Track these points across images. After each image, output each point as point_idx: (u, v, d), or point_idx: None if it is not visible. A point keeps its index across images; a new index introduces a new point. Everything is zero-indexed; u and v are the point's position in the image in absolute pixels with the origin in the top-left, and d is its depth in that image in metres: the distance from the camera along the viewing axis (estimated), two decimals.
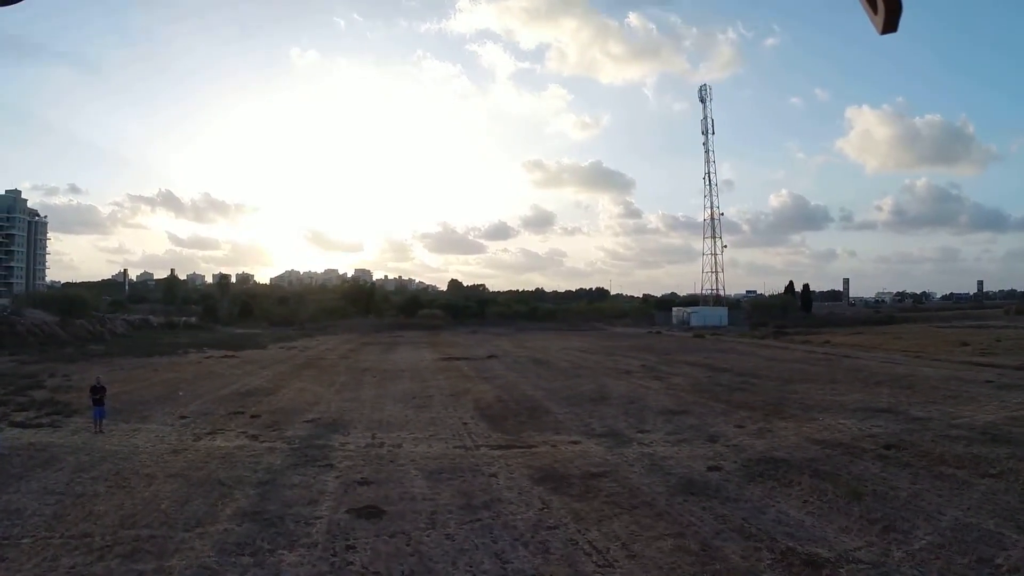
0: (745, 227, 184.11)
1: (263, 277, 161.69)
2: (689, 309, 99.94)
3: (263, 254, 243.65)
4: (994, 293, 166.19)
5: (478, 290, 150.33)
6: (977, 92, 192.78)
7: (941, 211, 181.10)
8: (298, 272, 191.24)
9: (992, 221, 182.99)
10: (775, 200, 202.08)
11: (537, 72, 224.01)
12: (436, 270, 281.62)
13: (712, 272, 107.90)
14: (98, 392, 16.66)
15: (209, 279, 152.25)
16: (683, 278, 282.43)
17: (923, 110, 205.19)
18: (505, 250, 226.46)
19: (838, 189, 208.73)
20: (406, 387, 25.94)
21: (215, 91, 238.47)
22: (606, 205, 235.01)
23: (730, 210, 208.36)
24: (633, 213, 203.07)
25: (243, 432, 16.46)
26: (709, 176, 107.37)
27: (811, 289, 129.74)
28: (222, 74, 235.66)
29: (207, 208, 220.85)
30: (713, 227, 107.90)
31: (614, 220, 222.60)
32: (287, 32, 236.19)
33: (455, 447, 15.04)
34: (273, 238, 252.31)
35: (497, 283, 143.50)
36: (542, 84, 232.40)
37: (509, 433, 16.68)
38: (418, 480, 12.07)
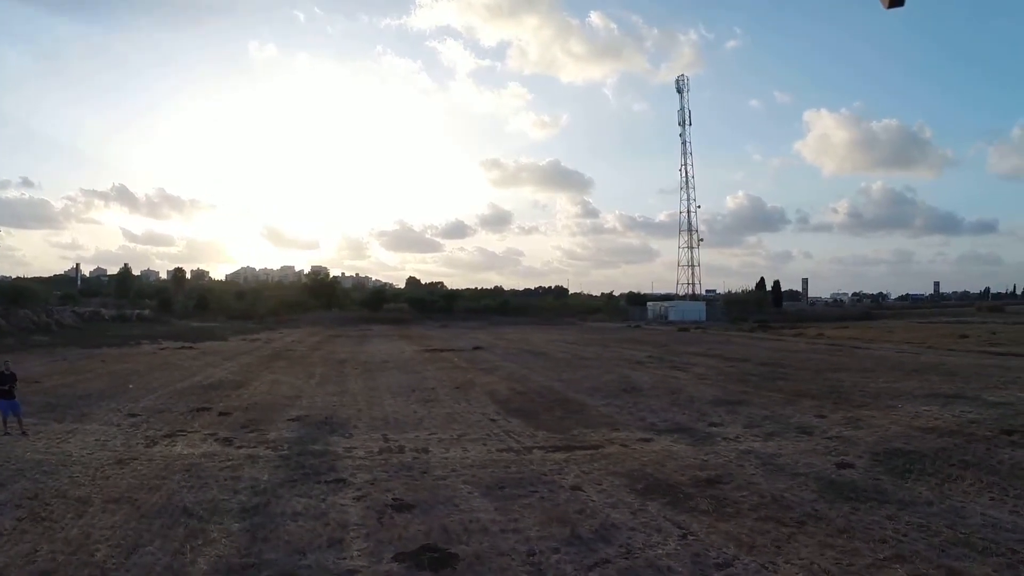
0: (702, 227, 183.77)
1: (218, 274, 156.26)
2: (667, 303, 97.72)
3: (218, 251, 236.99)
4: (948, 294, 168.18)
5: (438, 287, 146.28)
6: (934, 97, 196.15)
7: (896, 214, 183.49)
8: (254, 269, 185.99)
9: (946, 224, 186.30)
10: (732, 201, 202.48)
11: (497, 70, 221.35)
12: (393, 268, 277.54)
13: (688, 266, 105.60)
14: (4, 381, 12.55)
15: (164, 276, 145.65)
16: (640, 278, 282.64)
17: (881, 114, 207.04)
18: (462, 249, 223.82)
19: (795, 191, 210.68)
20: (399, 379, 22.17)
21: (172, 85, 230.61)
22: (564, 205, 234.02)
23: (680, 214, 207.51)
24: (591, 213, 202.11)
25: (211, 434, 12.57)
26: (685, 168, 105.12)
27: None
28: (180, 67, 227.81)
29: (162, 204, 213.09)
30: (689, 220, 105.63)
31: (571, 220, 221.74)
32: (246, 25, 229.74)
33: (499, 450, 11.43)
34: (228, 235, 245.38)
35: (454, 282, 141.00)
36: (502, 82, 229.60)
37: (554, 431, 13.20)
38: (476, 499, 8.40)
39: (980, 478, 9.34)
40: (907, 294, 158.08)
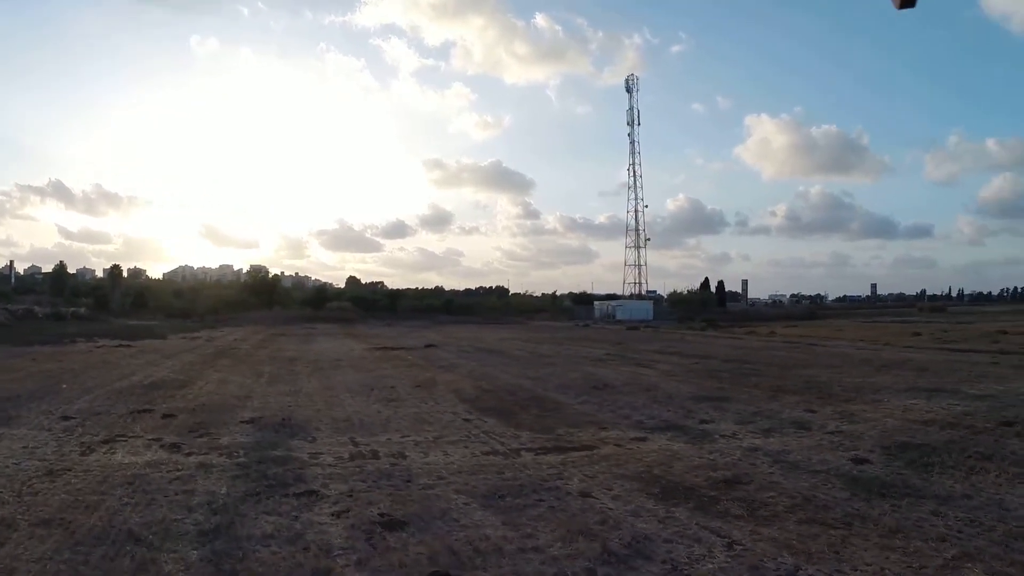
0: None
1: (156, 273, 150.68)
2: (614, 303, 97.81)
3: (156, 249, 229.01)
4: (885, 296, 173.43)
5: (379, 287, 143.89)
6: (873, 105, 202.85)
7: (834, 218, 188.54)
8: (192, 268, 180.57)
9: (882, 229, 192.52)
10: (673, 204, 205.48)
11: (441, 70, 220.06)
12: (332, 268, 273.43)
13: (635, 266, 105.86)
14: None
15: (100, 274, 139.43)
16: (580, 279, 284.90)
17: (820, 121, 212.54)
18: (402, 249, 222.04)
19: (735, 194, 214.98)
20: (354, 378, 20.78)
21: (111, 78, 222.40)
22: (505, 205, 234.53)
23: (627, 213, 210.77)
24: (532, 214, 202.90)
25: (156, 440, 11.08)
26: (633, 168, 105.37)
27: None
28: (119, 61, 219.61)
29: (99, 200, 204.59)
30: (637, 220, 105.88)
31: (512, 221, 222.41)
32: (188, 19, 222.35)
33: (484, 453, 10.29)
34: (167, 233, 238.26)
35: (394, 282, 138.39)
36: (446, 82, 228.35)
37: (537, 431, 12.08)
38: (477, 512, 7.24)
39: (1004, 469, 8.96)
40: (844, 295, 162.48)
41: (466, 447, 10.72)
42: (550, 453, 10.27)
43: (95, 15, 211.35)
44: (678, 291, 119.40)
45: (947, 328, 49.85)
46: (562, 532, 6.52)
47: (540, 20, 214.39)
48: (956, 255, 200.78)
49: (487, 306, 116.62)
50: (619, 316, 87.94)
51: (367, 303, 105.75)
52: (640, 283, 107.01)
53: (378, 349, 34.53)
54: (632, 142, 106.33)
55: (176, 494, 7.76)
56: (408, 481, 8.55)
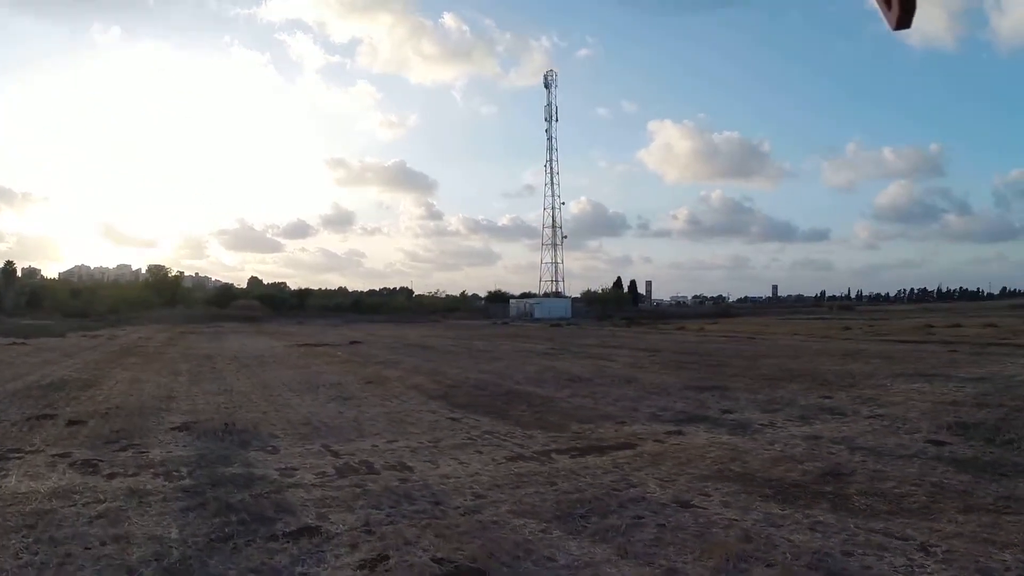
0: (547, 230, 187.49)
1: (51, 272, 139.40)
2: (531, 300, 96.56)
3: (51, 248, 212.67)
4: (784, 297, 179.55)
5: (282, 287, 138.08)
6: (775, 112, 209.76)
7: (734, 222, 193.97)
8: (88, 268, 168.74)
9: (781, 232, 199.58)
10: (576, 206, 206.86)
11: (347, 67, 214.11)
12: (233, 269, 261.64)
13: (552, 264, 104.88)
14: None
15: None
16: (483, 280, 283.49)
17: (722, 127, 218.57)
18: (304, 249, 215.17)
19: (637, 198, 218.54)
20: (289, 375, 18.11)
21: (5, 64, 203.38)
22: (408, 206, 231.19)
23: (530, 215, 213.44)
24: (435, 215, 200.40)
25: (62, 455, 8.32)
26: (550, 164, 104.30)
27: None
28: (15, 46, 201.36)
29: None
30: (554, 217, 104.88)
31: (415, 222, 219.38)
32: (90, 5, 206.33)
33: (508, 459, 8.11)
34: (62, 231, 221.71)
35: (296, 283, 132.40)
36: (351, 80, 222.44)
37: (547, 429, 10.09)
38: (570, 543, 5.10)
39: None
40: (746, 296, 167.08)
41: (480, 452, 8.47)
42: (588, 454, 8.27)
43: None
44: (592, 290, 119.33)
45: (872, 323, 50.50)
46: (712, 560, 4.57)
47: (448, 20, 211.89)
48: (852, 258, 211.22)
49: (397, 305, 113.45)
50: (537, 314, 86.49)
51: (275, 302, 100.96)
52: (557, 280, 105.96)
53: (300, 346, 31.54)
54: (550, 138, 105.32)
55: (103, 543, 5.17)
56: (438, 504, 6.25)
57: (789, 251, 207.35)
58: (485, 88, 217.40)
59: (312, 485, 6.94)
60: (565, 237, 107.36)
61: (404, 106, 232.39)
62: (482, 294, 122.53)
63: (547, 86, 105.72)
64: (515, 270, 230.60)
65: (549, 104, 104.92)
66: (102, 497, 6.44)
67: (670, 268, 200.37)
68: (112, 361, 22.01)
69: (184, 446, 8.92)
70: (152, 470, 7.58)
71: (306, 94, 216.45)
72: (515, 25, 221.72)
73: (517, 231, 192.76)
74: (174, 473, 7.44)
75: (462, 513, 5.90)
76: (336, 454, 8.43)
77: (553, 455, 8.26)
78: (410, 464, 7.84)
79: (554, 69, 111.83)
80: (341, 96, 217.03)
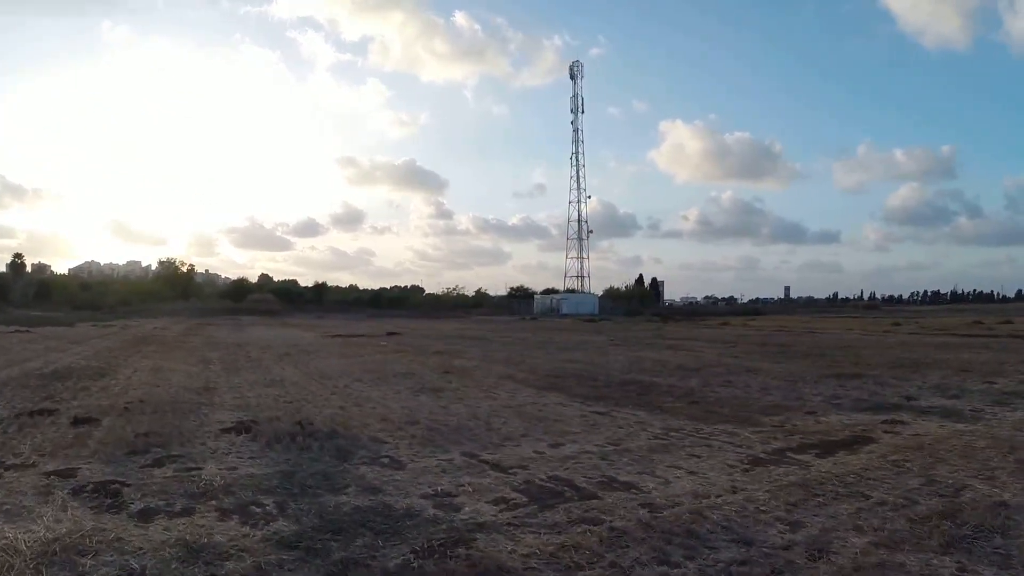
0: (555, 232, 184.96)
1: (61, 268, 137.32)
2: (558, 296, 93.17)
3: (62, 245, 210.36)
4: (795, 299, 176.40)
5: (294, 283, 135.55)
6: (786, 113, 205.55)
7: (745, 223, 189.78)
8: (99, 264, 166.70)
9: (792, 234, 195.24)
10: (575, 209, 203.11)
11: (358, 65, 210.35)
12: (243, 266, 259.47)
13: (577, 258, 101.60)
14: None
15: (3, 269, 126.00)
16: (493, 280, 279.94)
17: (734, 127, 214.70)
18: (313, 248, 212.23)
19: (647, 198, 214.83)
20: (345, 364, 15.05)
21: (17, 62, 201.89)
22: (418, 205, 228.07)
23: (540, 215, 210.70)
24: (445, 214, 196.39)
25: (64, 473, 5.22)
26: (577, 157, 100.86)
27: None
28: (24, 44, 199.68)
29: (2, 192, 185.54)
30: (580, 210, 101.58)
31: (424, 220, 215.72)
32: (99, 3, 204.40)
33: (742, 463, 5.79)
34: (73, 228, 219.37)
35: (305, 281, 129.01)
36: (362, 78, 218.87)
37: (730, 422, 7.84)
38: None
39: None
40: (757, 298, 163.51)
41: (696, 456, 6.06)
42: (833, 452, 6.20)
43: None
44: (615, 287, 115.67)
45: (916, 321, 47.19)
46: None
47: (460, 18, 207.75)
48: (862, 260, 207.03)
49: (416, 301, 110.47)
50: (564, 310, 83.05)
51: (291, 296, 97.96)
52: (583, 277, 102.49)
53: (333, 336, 28.37)
54: (576, 130, 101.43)
55: None
56: (749, 544, 3.30)
57: (799, 253, 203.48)
58: (496, 87, 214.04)
59: (508, 526, 3.92)
60: (591, 232, 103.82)
61: (415, 105, 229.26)
62: (492, 293, 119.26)
63: (573, 77, 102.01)
64: (524, 270, 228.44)
65: (575, 95, 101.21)
66: (136, 567, 3.25)
67: (680, 269, 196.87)
68: (127, 348, 18.97)
69: (252, 457, 5.78)
70: (214, 502, 4.44)
71: (317, 92, 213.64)
72: (527, 24, 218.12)
73: (527, 231, 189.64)
74: (254, 509, 4.31)
75: (810, 558, 2.85)
76: (496, 466, 5.42)
77: (788, 454, 6.12)
78: (624, 478, 5.07)
79: (579, 60, 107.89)
80: (352, 94, 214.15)
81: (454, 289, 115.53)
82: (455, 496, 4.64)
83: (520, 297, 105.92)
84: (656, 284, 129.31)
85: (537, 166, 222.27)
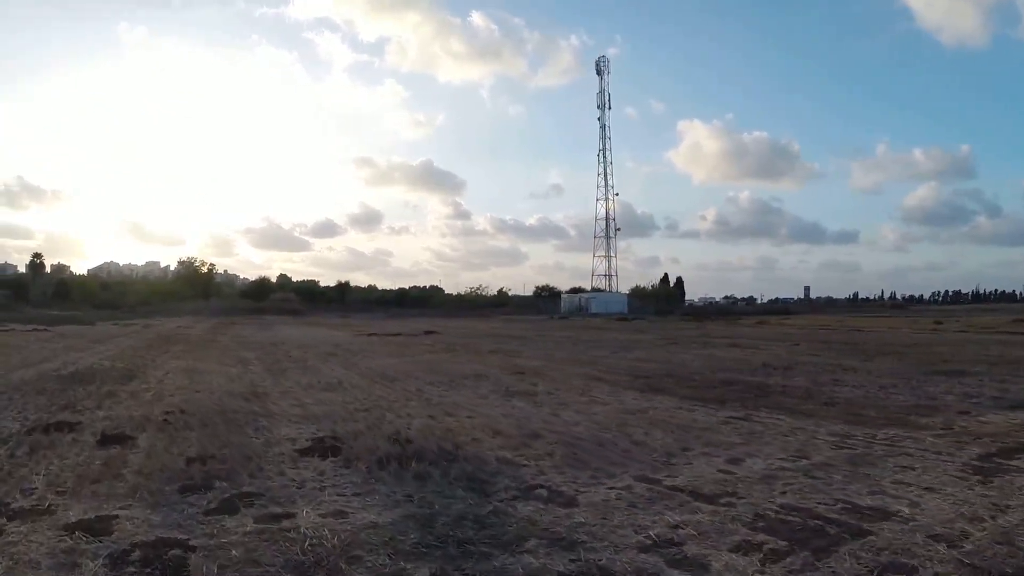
0: (572, 232, 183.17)
1: (80, 269, 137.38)
2: (587, 295, 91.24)
3: (80, 245, 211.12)
4: (815, 299, 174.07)
5: (315, 283, 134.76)
6: (804, 113, 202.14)
7: (762, 223, 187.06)
8: (117, 264, 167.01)
9: (810, 234, 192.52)
10: (602, 207, 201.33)
11: (375, 66, 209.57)
12: (260, 266, 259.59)
13: (605, 257, 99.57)
14: None
15: (22, 270, 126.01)
16: (510, 280, 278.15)
17: (751, 127, 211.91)
18: (331, 248, 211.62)
19: (665, 198, 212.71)
20: (400, 365, 13.43)
21: (35, 64, 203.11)
22: (435, 206, 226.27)
23: (557, 215, 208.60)
24: (462, 215, 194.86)
25: (94, 528, 3.48)
26: (604, 153, 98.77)
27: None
28: (42, 46, 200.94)
29: (21, 193, 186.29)
30: (607, 207, 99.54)
31: (442, 221, 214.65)
32: (117, 5, 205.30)
33: (973, 474, 4.43)
34: (91, 228, 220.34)
35: (323, 281, 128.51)
36: (379, 79, 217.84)
37: (895, 424, 6.73)
38: None
39: None
40: (776, 298, 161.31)
41: (909, 469, 4.93)
42: None
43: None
44: (640, 286, 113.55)
45: (957, 320, 45.08)
46: None
47: (476, 18, 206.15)
48: (879, 260, 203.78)
49: (441, 300, 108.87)
50: (594, 309, 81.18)
51: (313, 295, 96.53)
52: (610, 275, 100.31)
53: (370, 335, 26.69)
54: (603, 126, 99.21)
55: None
56: None
57: (816, 253, 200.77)
58: (512, 87, 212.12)
59: None
60: (619, 230, 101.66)
61: (432, 105, 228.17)
62: (510, 293, 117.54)
63: (599, 72, 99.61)
64: (542, 270, 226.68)
65: (602, 91, 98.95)
66: None
67: (697, 269, 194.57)
68: (153, 347, 17.40)
69: (357, 494, 4.12)
70: None
71: (333, 93, 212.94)
72: (544, 24, 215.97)
73: (544, 231, 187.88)
74: None
75: None
76: (696, 495, 4.15)
77: (996, 459, 5.18)
78: (864, 503, 4.06)
79: (605, 55, 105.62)
80: (369, 95, 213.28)
81: (476, 289, 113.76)
82: (681, 544, 3.13)
83: (546, 296, 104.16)
84: (681, 283, 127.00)
85: (554, 166, 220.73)
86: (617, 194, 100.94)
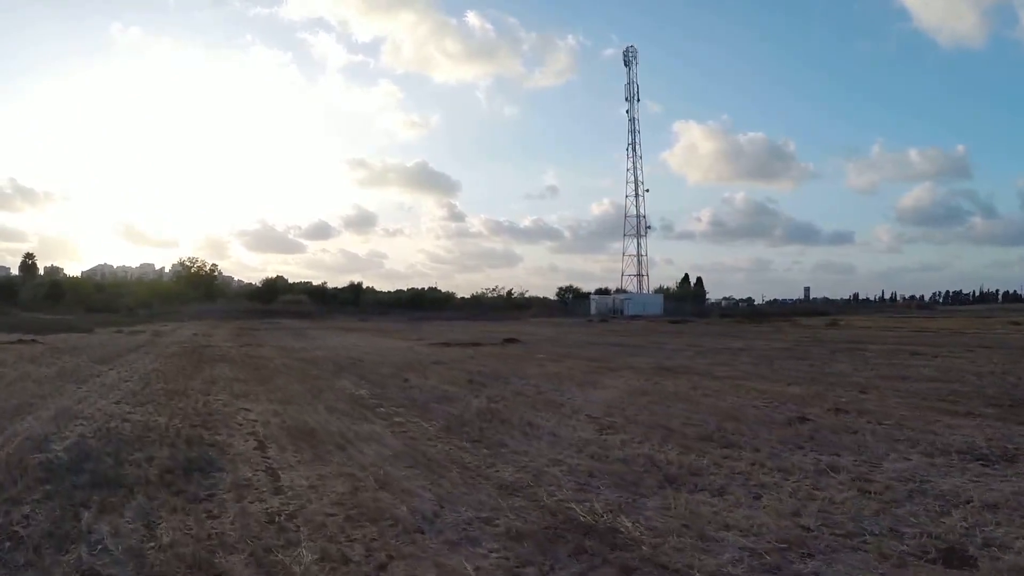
0: (567, 234, 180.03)
1: (73, 271, 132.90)
2: (621, 296, 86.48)
3: (73, 248, 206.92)
4: (813, 300, 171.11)
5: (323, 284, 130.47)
6: (799, 114, 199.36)
7: (757, 224, 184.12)
8: (111, 267, 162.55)
9: (805, 234, 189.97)
10: (597, 208, 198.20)
11: (370, 67, 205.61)
12: (255, 269, 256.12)
13: (635, 256, 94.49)
14: None
15: (15, 273, 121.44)
16: (505, 282, 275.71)
17: (747, 128, 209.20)
18: (325, 250, 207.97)
19: (660, 199, 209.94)
20: (604, 397, 8.11)
21: (26, 65, 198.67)
22: (430, 207, 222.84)
23: (551, 217, 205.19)
24: (457, 216, 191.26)
25: None
26: (633, 147, 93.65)
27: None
28: (34, 46, 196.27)
29: (14, 195, 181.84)
30: (637, 205, 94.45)
31: (437, 223, 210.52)
32: (110, 5, 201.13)
33: None
34: (84, 230, 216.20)
35: (318, 283, 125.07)
36: (373, 79, 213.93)
37: None
38: None
39: None
40: (774, 299, 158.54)
41: None
42: None
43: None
44: (665, 287, 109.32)
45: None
46: None
47: (472, 18, 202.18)
48: (873, 261, 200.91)
49: (461, 302, 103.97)
50: (629, 311, 76.50)
51: (325, 297, 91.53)
52: (641, 274, 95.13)
53: (445, 345, 21.57)
54: (631, 120, 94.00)
55: None
56: None
57: (810, 254, 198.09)
58: (508, 88, 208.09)
59: None
60: (649, 227, 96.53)
61: (427, 106, 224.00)
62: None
63: (627, 64, 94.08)
64: (536, 272, 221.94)
65: (630, 83, 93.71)
66: None
67: (692, 271, 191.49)
68: (187, 372, 12.16)
69: None
70: None
71: (328, 94, 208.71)
72: (540, 24, 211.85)
73: (539, 233, 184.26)
74: None
75: None
76: None
77: None
78: None
79: (633, 45, 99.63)
80: (363, 96, 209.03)
81: (493, 289, 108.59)
82: None
83: (572, 298, 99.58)
84: (701, 283, 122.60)
85: (549, 167, 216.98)
86: (648, 190, 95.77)
